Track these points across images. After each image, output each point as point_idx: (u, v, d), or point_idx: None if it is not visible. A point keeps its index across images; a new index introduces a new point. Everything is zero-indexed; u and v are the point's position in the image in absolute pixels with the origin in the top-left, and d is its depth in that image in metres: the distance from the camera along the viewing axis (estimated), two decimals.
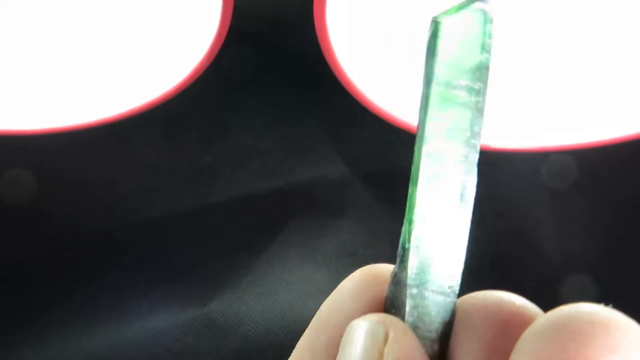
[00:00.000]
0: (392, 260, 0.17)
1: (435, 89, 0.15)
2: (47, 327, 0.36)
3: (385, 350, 0.15)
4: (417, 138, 0.15)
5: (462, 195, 0.15)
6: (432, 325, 0.15)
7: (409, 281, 0.15)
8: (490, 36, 0.15)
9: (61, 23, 0.31)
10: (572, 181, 0.38)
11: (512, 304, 0.15)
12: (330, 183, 0.39)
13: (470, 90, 0.15)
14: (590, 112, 0.35)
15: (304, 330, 0.17)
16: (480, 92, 0.15)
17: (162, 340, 0.36)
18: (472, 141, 0.15)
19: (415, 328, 0.15)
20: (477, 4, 0.15)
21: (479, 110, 0.15)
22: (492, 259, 0.39)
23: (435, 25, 0.15)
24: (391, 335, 0.15)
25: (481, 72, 0.15)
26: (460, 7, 0.15)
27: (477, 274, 0.39)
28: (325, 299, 0.17)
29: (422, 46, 0.15)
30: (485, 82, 0.15)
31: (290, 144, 0.38)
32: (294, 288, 0.37)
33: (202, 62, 0.31)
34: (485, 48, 0.15)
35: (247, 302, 0.36)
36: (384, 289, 0.16)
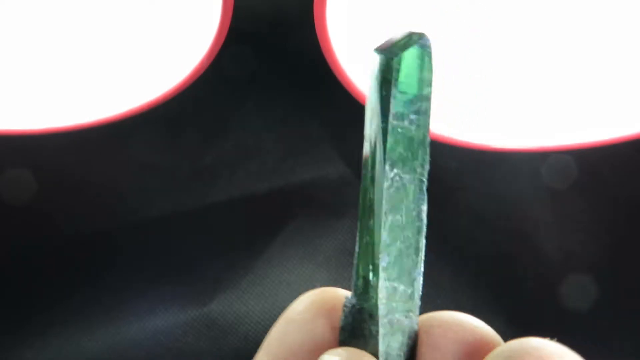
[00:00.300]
0: None
1: (392, 123, 0.15)
2: (47, 327, 0.36)
3: None
4: (374, 172, 0.16)
5: (418, 224, 0.16)
6: (400, 350, 0.16)
7: (381, 312, 0.16)
8: (432, 71, 0.16)
9: (61, 23, 0.31)
10: (572, 181, 0.38)
11: (475, 328, 0.16)
12: (330, 183, 0.39)
13: (418, 122, 0.16)
14: (590, 112, 0.35)
15: None
16: (425, 125, 0.16)
17: (162, 340, 0.36)
18: (420, 170, 0.16)
19: (387, 356, 0.16)
20: (421, 41, 0.16)
21: (424, 141, 0.16)
22: (492, 259, 0.39)
23: (387, 62, 0.15)
24: None
25: (426, 105, 0.16)
26: (405, 43, 0.16)
27: (477, 274, 0.39)
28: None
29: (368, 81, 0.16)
30: (429, 115, 0.16)
31: (290, 144, 0.38)
32: (294, 288, 0.37)
33: (202, 62, 0.31)
34: (429, 82, 0.16)
35: (247, 302, 0.36)
36: (335, 316, 0.16)
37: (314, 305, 0.17)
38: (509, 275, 0.39)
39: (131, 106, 0.33)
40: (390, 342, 0.16)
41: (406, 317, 0.16)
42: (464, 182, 0.37)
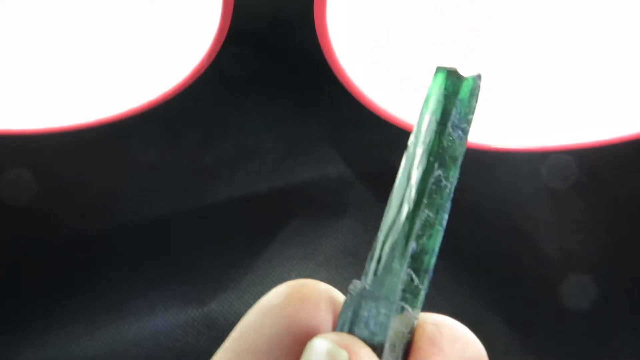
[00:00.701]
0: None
1: (449, 129, 0.18)
2: (47, 327, 0.36)
3: None
4: (419, 167, 0.18)
5: (439, 228, 0.17)
6: (401, 340, 0.17)
7: (397, 297, 0.17)
8: (477, 104, 0.18)
9: (61, 23, 0.31)
10: (572, 181, 0.38)
11: (464, 330, 0.17)
12: (330, 183, 0.39)
13: (461, 138, 0.18)
14: (590, 112, 0.35)
15: None
16: (464, 144, 0.18)
17: (162, 340, 0.36)
18: (453, 181, 0.18)
19: (391, 342, 0.16)
20: (478, 77, 0.18)
21: (460, 158, 0.18)
22: (492, 259, 0.39)
23: (457, 80, 0.18)
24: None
25: (469, 128, 0.18)
26: (465, 72, 0.18)
27: (477, 274, 0.39)
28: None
29: (426, 88, 0.18)
30: (468, 137, 0.18)
31: (290, 144, 0.38)
32: None
33: (202, 62, 0.31)
34: (474, 111, 0.18)
35: (247, 302, 0.36)
36: (317, 309, 0.17)
37: (295, 297, 0.17)
38: (509, 275, 0.39)
39: (131, 106, 0.33)
40: (396, 329, 0.16)
41: (412, 310, 0.17)
42: (464, 182, 0.37)
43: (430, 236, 0.17)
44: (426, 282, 0.17)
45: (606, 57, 0.33)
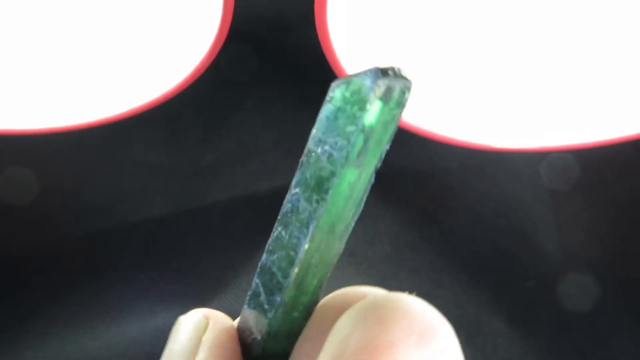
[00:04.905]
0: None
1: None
2: (47, 327, 0.36)
3: (204, 337, 0.17)
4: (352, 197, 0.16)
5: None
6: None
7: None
8: None
9: (61, 23, 0.31)
10: (572, 181, 0.38)
11: (344, 294, 0.17)
12: None
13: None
14: (591, 112, 0.35)
15: None
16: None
17: (163, 340, 0.36)
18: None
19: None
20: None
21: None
22: (492, 258, 0.39)
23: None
24: (210, 323, 0.18)
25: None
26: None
27: (477, 274, 0.39)
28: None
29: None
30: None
31: (290, 144, 0.38)
32: None
33: (202, 62, 0.31)
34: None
35: None
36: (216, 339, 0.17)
37: (196, 333, 0.18)
38: (509, 275, 0.39)
39: (131, 106, 0.33)
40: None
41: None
42: (464, 182, 0.37)
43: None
44: None
45: (606, 57, 0.33)
